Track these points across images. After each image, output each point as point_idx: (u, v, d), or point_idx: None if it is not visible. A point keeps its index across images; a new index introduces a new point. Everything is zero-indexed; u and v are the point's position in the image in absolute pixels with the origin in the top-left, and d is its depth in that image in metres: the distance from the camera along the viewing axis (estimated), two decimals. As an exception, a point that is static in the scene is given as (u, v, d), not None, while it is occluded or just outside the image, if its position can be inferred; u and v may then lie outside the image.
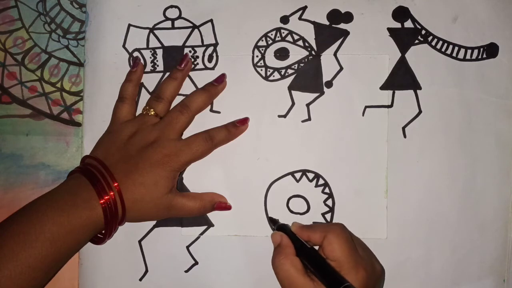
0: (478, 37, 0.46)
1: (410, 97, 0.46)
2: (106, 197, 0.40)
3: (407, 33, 0.46)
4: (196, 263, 0.46)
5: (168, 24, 0.47)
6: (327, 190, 0.46)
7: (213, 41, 0.47)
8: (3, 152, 0.48)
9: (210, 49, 0.47)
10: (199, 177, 0.46)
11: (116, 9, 0.47)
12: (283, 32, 0.47)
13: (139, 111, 0.46)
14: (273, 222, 0.45)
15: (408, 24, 0.46)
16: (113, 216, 0.40)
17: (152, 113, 0.44)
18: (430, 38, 0.46)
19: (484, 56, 0.46)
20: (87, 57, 0.47)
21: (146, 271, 0.46)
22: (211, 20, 0.47)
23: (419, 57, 0.46)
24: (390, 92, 0.46)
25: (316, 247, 0.40)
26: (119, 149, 0.43)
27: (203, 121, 0.46)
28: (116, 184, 0.41)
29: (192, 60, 0.47)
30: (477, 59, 0.46)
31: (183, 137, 0.45)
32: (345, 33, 0.46)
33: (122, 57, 0.47)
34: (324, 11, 0.46)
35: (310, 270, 0.39)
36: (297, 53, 0.46)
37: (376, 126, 0.46)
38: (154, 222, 0.46)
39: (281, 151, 0.46)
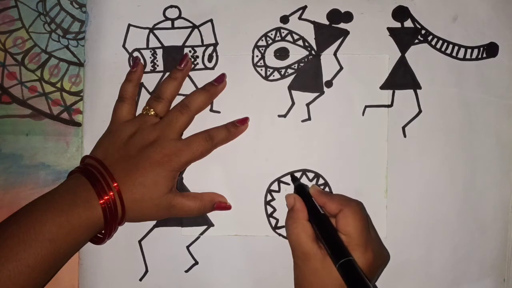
0: (478, 36, 0.46)
1: (410, 97, 0.46)
2: (106, 197, 0.40)
3: (407, 32, 0.46)
4: (196, 263, 0.46)
5: (168, 24, 0.47)
6: (327, 189, 0.46)
7: (213, 41, 0.47)
8: (3, 152, 0.48)
9: (210, 49, 0.47)
10: (199, 177, 0.46)
11: (116, 9, 0.47)
12: (283, 32, 0.46)
13: (139, 111, 0.46)
14: (293, 179, 0.45)
15: (408, 23, 0.46)
16: (113, 216, 0.40)
17: (152, 113, 0.44)
18: (430, 38, 0.46)
19: (484, 55, 0.46)
20: (87, 57, 0.47)
21: (146, 271, 0.46)
22: (211, 20, 0.47)
23: (419, 57, 0.46)
24: (390, 91, 0.46)
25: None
26: (119, 149, 0.42)
27: (203, 121, 0.46)
28: (115, 184, 0.41)
29: (192, 60, 0.47)
30: (477, 59, 0.46)
31: (183, 137, 0.45)
32: (345, 33, 0.46)
33: (122, 57, 0.47)
34: (324, 10, 0.46)
35: (318, 237, 0.39)
36: (297, 53, 0.46)
37: (376, 125, 0.46)
38: (154, 222, 0.46)
39: (281, 151, 0.46)
